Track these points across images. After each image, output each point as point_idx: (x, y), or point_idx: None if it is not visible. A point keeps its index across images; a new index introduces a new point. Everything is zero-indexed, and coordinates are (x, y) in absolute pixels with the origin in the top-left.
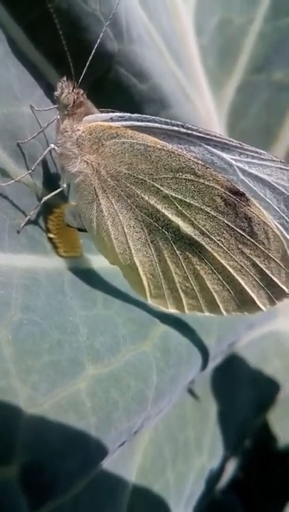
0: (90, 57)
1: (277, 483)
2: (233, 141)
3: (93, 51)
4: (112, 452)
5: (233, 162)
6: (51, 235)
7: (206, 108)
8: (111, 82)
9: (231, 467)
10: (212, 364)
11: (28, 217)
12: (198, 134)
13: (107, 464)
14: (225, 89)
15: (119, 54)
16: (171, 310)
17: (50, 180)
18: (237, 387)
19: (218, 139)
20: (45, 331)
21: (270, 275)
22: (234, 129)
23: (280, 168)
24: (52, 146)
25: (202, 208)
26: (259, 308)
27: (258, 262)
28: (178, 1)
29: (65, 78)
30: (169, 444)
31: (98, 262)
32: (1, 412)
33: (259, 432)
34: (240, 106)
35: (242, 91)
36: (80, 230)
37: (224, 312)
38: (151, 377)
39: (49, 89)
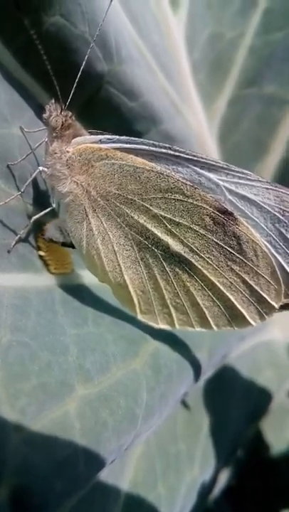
0: (77, 79)
1: (271, 491)
2: (219, 163)
3: (79, 73)
4: (102, 471)
5: (220, 182)
6: (42, 253)
7: (198, 122)
8: (102, 102)
9: (224, 476)
10: (204, 376)
11: (19, 236)
12: (185, 155)
13: (98, 480)
14: (216, 103)
15: (109, 74)
16: (162, 326)
17: (40, 199)
18: (229, 398)
19: (206, 161)
20: (34, 353)
21: (260, 291)
22: (226, 143)
23: (267, 188)
24: (41, 168)
25: (191, 226)
26: (249, 324)
27: (247, 278)
28: (169, 16)
29: (53, 101)
30: (160, 457)
31: (89, 278)
32: None
33: (252, 441)
34: (232, 119)
35: (233, 105)
36: (64, 245)
37: (215, 327)
38: (141, 396)
39: (39, 111)
